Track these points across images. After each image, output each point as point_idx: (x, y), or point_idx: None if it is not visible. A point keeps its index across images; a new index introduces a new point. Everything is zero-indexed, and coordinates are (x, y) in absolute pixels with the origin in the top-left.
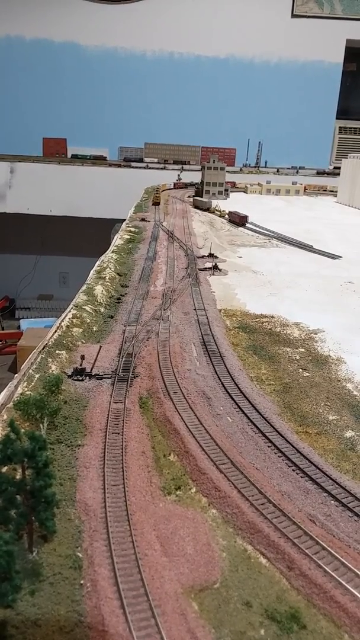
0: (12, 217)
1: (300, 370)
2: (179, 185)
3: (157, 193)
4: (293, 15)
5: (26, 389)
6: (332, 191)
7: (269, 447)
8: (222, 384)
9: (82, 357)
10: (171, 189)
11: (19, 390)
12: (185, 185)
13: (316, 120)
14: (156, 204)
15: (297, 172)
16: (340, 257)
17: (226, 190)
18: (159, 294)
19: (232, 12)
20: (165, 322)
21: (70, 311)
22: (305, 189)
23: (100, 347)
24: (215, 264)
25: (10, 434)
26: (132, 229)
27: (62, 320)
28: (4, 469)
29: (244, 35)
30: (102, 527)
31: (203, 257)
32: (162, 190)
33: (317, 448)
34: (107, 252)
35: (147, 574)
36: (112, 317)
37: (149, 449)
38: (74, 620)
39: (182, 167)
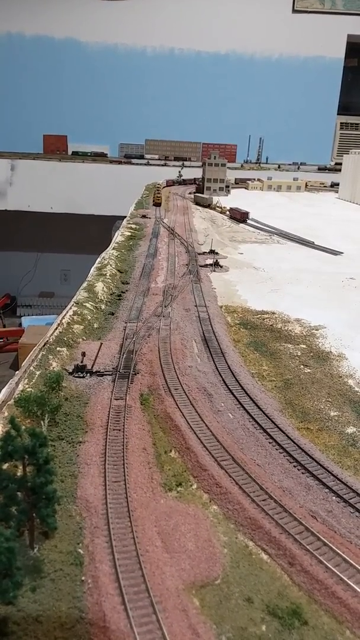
0: (13, 215)
1: (302, 366)
2: (169, 183)
3: (158, 193)
4: (294, 11)
5: (27, 386)
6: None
7: (270, 443)
8: (223, 380)
9: (83, 354)
10: (165, 186)
11: (20, 387)
12: (173, 182)
13: (317, 116)
14: (157, 204)
15: (298, 168)
16: (342, 253)
17: (227, 186)
18: (160, 291)
19: (232, 8)
20: (166, 319)
21: (71, 308)
22: (306, 185)
23: (101, 344)
24: (216, 260)
25: (11, 431)
26: (133, 226)
27: (63, 318)
28: (5, 466)
29: (244, 31)
30: (103, 523)
31: (204, 253)
32: (163, 187)
33: (319, 444)
34: (108, 249)
35: (148, 570)
36: (113, 314)
37: (150, 446)
38: (75, 617)
39: (183, 164)
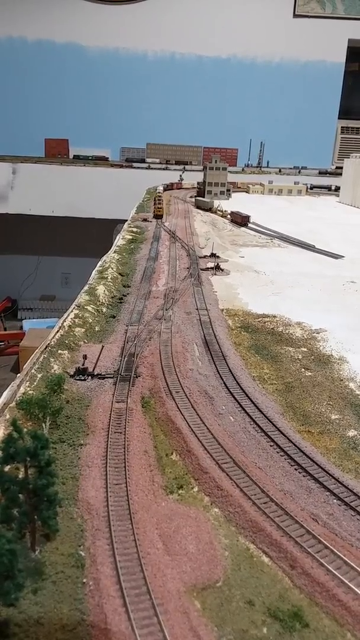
0: (14, 218)
1: (303, 369)
2: (166, 187)
3: (159, 204)
4: (295, 15)
5: (29, 389)
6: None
7: (271, 446)
8: (224, 383)
9: (85, 357)
10: (164, 191)
11: (22, 389)
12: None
13: (318, 120)
14: (158, 216)
15: (299, 172)
16: (343, 256)
17: (228, 190)
18: (161, 294)
19: (233, 12)
20: (167, 322)
21: (72, 311)
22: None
23: (103, 346)
24: (218, 263)
25: (13, 433)
26: (134, 229)
27: (65, 321)
28: (7, 468)
29: (245, 35)
30: (104, 525)
31: (205, 257)
32: (164, 191)
33: (320, 447)
34: (109, 252)
35: (150, 573)
36: (114, 317)
37: (151, 448)
38: (77, 619)
39: (184, 168)
